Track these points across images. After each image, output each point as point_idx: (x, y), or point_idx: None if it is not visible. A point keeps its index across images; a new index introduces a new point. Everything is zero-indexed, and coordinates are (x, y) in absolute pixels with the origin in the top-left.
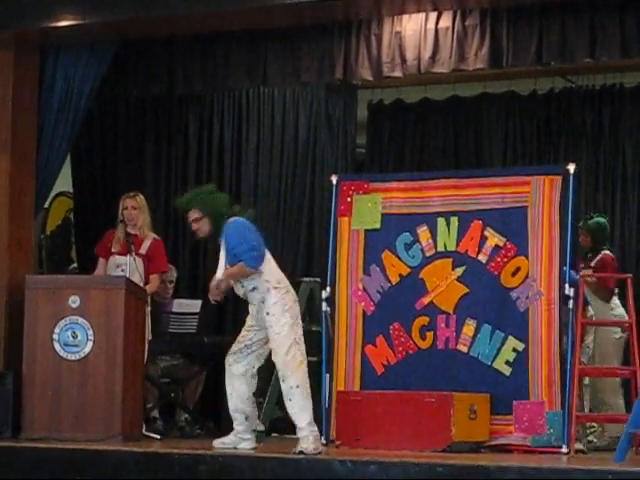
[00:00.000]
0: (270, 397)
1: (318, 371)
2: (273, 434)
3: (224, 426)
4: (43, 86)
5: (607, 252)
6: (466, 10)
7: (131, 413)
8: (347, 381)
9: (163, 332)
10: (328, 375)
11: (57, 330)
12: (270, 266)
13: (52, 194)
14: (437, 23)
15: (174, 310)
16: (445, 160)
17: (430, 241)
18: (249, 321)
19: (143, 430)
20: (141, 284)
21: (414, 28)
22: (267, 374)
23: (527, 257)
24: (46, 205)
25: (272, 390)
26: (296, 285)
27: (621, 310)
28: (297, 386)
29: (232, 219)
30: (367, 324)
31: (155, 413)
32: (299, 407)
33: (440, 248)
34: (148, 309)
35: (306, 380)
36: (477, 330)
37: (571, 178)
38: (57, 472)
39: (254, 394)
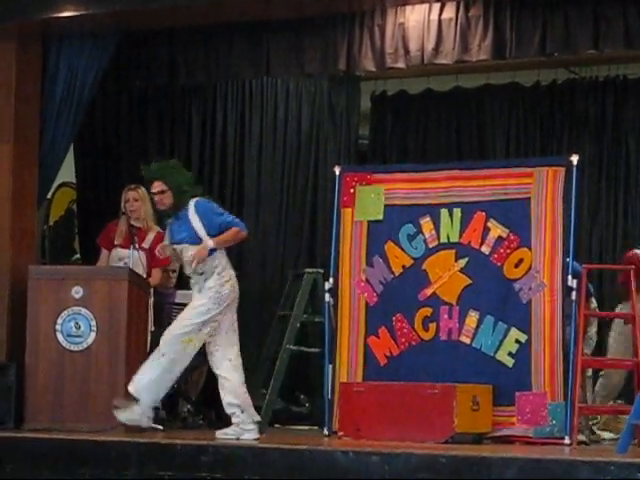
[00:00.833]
0: (272, 388)
1: (321, 362)
2: (275, 425)
3: (226, 417)
4: (46, 77)
5: None
6: (469, 1)
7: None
8: (350, 372)
9: (165, 323)
10: (331, 366)
11: (60, 321)
12: (222, 253)
13: (55, 185)
14: (440, 14)
15: (177, 301)
16: (448, 151)
17: (433, 232)
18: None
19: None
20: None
21: (417, 19)
22: (270, 364)
23: (530, 248)
24: (49, 196)
25: (274, 381)
26: (299, 276)
27: None
28: (163, 355)
29: (197, 200)
30: (370, 315)
31: (157, 404)
32: (149, 378)
33: (443, 239)
34: (150, 300)
35: (181, 354)
36: (480, 321)
37: (574, 169)
38: (60, 462)
39: (260, 384)
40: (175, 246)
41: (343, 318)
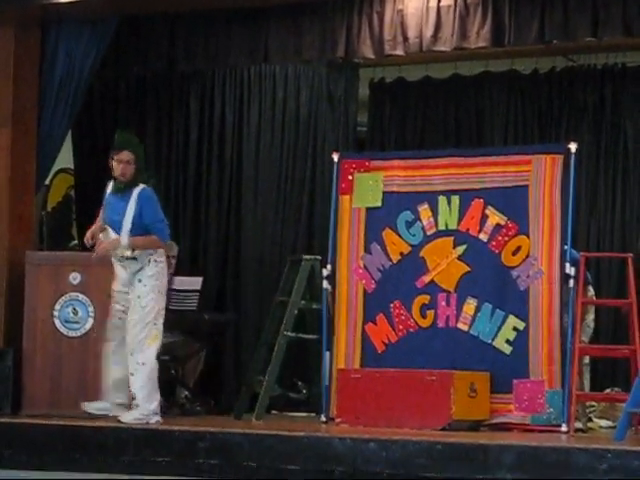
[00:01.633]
0: (270, 375)
1: (318, 349)
2: (273, 411)
3: (224, 403)
4: (44, 62)
5: None
6: None
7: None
8: (347, 359)
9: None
10: (328, 353)
11: (57, 307)
12: None
13: (53, 171)
14: (439, 1)
15: (175, 287)
16: (446, 138)
17: (431, 219)
18: (117, 287)
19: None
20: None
21: (416, 6)
22: (267, 351)
23: (528, 236)
24: (47, 182)
25: (272, 367)
26: (297, 263)
27: None
28: (143, 363)
29: (145, 187)
30: (368, 302)
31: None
32: (140, 385)
33: (441, 227)
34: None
35: (154, 360)
36: (478, 309)
37: (572, 157)
38: (57, 448)
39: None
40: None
41: (341, 305)
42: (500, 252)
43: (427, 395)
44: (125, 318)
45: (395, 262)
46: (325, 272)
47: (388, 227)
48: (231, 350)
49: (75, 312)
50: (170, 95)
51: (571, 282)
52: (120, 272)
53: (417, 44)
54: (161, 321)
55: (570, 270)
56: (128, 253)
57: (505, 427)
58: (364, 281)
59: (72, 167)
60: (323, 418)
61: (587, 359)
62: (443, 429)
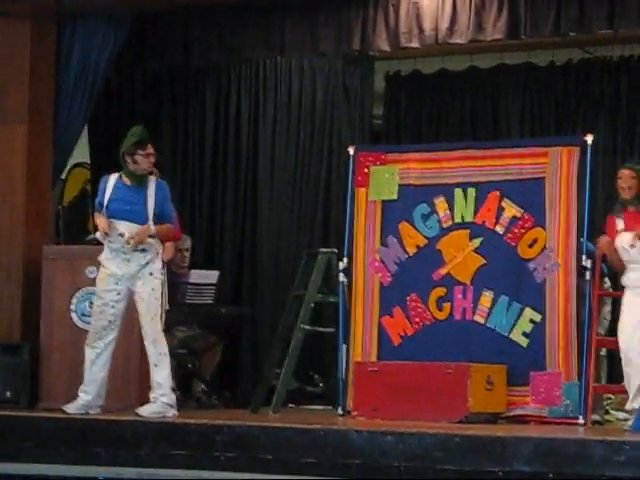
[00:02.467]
0: (287, 368)
1: (335, 342)
2: (290, 404)
3: (241, 396)
4: (60, 57)
5: None
6: None
7: (148, 383)
8: (364, 352)
9: (180, 303)
10: (345, 346)
11: (74, 301)
12: None
13: (69, 165)
14: None
15: (191, 281)
16: (462, 131)
17: (447, 212)
18: (110, 287)
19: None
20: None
21: None
22: (284, 344)
23: (544, 228)
24: (63, 176)
25: (289, 361)
26: (313, 256)
27: None
28: (165, 354)
29: (161, 180)
30: (384, 295)
31: (172, 384)
32: (166, 374)
33: (457, 219)
34: (165, 279)
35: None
36: (494, 301)
37: (589, 149)
38: (74, 442)
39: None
40: (113, 220)
41: (357, 298)
42: (516, 244)
43: (444, 388)
44: (115, 320)
45: (411, 255)
46: (341, 265)
47: (404, 220)
48: (248, 344)
49: (92, 306)
50: (186, 89)
51: (587, 274)
52: (117, 268)
53: (433, 36)
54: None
55: (586, 262)
56: (152, 241)
57: (522, 419)
58: (380, 274)
59: (88, 161)
60: (340, 411)
61: (604, 351)
62: (460, 422)
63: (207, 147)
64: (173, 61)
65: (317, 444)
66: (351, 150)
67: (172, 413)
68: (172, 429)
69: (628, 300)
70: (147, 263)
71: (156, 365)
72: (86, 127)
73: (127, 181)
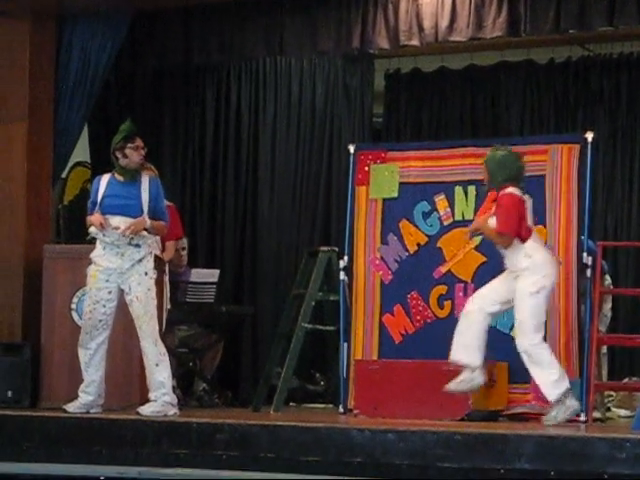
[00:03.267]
0: (288, 367)
1: (336, 341)
2: (291, 403)
3: (242, 395)
4: (60, 56)
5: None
6: None
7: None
8: (365, 350)
9: (181, 302)
10: (346, 344)
11: (75, 300)
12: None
13: (69, 164)
14: None
15: (192, 280)
16: (462, 129)
17: (448, 210)
18: (100, 284)
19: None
20: (158, 252)
21: None
22: (285, 343)
23: (545, 226)
24: (63, 175)
25: (290, 359)
26: (314, 255)
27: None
28: (165, 354)
29: (153, 175)
30: (385, 293)
31: (173, 383)
32: (167, 374)
33: (458, 217)
34: (166, 278)
35: None
36: None
37: (589, 146)
38: (75, 441)
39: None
40: (107, 216)
41: (358, 296)
42: None
43: (445, 386)
44: (106, 319)
45: (412, 253)
46: (342, 263)
47: (405, 218)
48: (249, 342)
49: None
50: (186, 88)
51: (588, 272)
52: (109, 262)
53: (433, 34)
54: None
55: (587, 260)
56: (146, 235)
57: (523, 417)
58: (381, 272)
59: (89, 160)
60: (341, 409)
61: (605, 349)
62: (461, 419)
63: (207, 146)
64: (173, 60)
65: (318, 442)
66: (351, 148)
67: (173, 412)
68: (173, 428)
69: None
70: (140, 260)
71: (157, 365)
72: (86, 126)
73: (120, 178)
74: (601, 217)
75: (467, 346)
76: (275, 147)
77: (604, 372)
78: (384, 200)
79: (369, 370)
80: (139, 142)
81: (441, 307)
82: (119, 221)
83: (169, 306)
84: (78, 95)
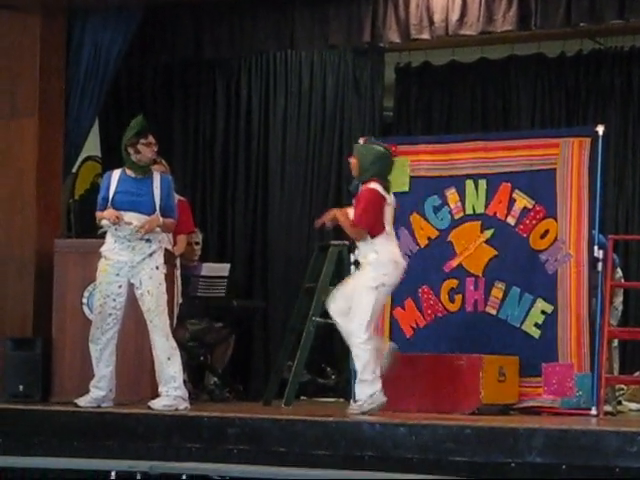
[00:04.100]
0: (299, 361)
1: None
2: (302, 397)
3: (253, 389)
4: (70, 51)
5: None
6: None
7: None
8: None
9: (192, 296)
10: None
11: (86, 294)
12: None
13: (80, 159)
14: None
15: (203, 274)
16: (473, 122)
17: (458, 204)
18: (111, 278)
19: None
20: (169, 246)
21: None
22: (296, 337)
23: (556, 219)
24: (74, 170)
25: (300, 353)
26: (324, 249)
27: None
28: (176, 347)
29: (163, 173)
30: (396, 287)
31: (184, 377)
32: (179, 368)
33: (469, 211)
34: (178, 272)
35: None
36: (506, 293)
37: (600, 140)
38: (86, 435)
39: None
40: (121, 212)
41: None
42: (528, 236)
43: (456, 379)
44: (116, 314)
45: (423, 247)
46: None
47: (415, 212)
48: (260, 336)
49: None
50: (197, 83)
51: (599, 265)
52: (120, 256)
53: (443, 28)
54: None
55: (598, 253)
56: (159, 231)
57: (534, 411)
58: None
59: (99, 155)
60: (352, 403)
61: (616, 342)
62: (472, 413)
63: (218, 140)
64: (184, 54)
65: (329, 436)
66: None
67: (184, 406)
68: (184, 422)
69: None
70: (151, 254)
71: (168, 359)
72: (97, 121)
73: (131, 173)
74: (612, 210)
75: None
76: (285, 141)
77: (615, 365)
78: (395, 194)
79: None
80: (151, 138)
81: (452, 301)
82: (130, 217)
83: (180, 300)
84: (89, 90)
